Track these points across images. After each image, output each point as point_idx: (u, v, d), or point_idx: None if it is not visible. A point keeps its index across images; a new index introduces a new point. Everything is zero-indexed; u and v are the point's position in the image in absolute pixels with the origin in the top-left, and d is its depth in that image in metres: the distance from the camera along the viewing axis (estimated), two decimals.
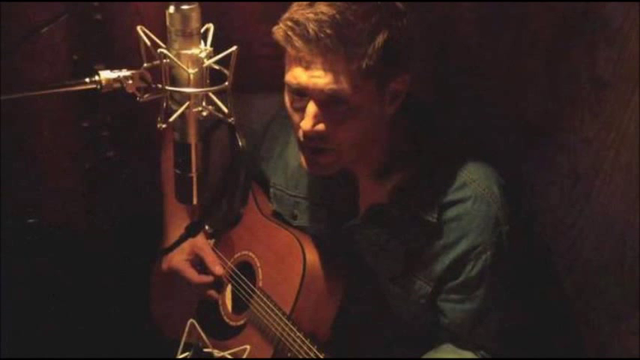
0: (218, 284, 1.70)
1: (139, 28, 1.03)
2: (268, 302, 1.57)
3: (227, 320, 1.69)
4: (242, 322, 1.65)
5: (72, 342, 2.09)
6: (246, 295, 1.64)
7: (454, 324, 1.50)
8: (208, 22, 1.10)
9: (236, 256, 1.70)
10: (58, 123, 2.00)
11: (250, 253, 1.66)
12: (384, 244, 1.51)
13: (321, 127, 1.36)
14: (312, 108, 1.34)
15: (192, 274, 1.67)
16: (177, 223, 1.71)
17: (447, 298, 1.49)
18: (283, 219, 1.66)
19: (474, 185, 1.44)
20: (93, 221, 2.09)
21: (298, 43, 1.30)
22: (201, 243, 1.68)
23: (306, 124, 1.35)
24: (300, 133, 1.37)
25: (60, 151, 2.04)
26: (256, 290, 1.62)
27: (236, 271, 1.68)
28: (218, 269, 1.66)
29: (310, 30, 1.29)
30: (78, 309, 2.09)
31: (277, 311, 1.55)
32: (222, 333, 1.67)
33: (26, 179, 2.02)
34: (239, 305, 1.68)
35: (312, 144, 1.38)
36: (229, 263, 1.70)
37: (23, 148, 2.01)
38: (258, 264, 1.64)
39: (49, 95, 1.10)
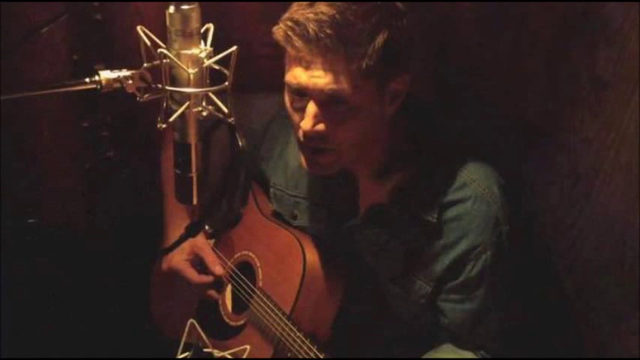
0: (218, 284, 1.70)
1: (139, 28, 1.03)
2: (268, 302, 1.57)
3: (227, 320, 1.69)
4: (242, 322, 1.65)
5: (72, 342, 2.09)
6: (246, 295, 1.64)
7: (454, 324, 1.50)
8: (208, 22, 1.10)
9: (236, 256, 1.70)
10: (58, 123, 2.00)
11: (250, 253, 1.66)
12: (384, 244, 1.50)
13: (321, 127, 1.36)
14: (312, 108, 1.34)
15: (192, 274, 1.67)
16: (177, 223, 1.70)
17: (447, 298, 1.49)
18: (283, 219, 1.66)
19: (474, 185, 1.44)
20: (93, 221, 2.09)
21: (298, 43, 1.31)
22: (201, 243, 1.68)
23: (306, 124, 1.35)
24: (300, 133, 1.38)
25: (60, 151, 2.04)
26: (256, 290, 1.62)
27: (236, 271, 1.68)
28: (218, 269, 1.66)
29: (310, 30, 1.29)
30: (78, 309, 2.09)
31: (277, 311, 1.55)
32: (222, 333, 1.67)
33: (26, 179, 2.02)
34: (239, 305, 1.68)
35: (312, 144, 1.38)
36: (229, 263, 1.70)
37: (23, 148, 2.01)
38: (258, 264, 1.63)
39: (49, 95, 1.10)
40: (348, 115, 1.35)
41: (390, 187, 1.48)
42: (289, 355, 1.53)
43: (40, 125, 2.00)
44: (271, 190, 1.68)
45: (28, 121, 1.97)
